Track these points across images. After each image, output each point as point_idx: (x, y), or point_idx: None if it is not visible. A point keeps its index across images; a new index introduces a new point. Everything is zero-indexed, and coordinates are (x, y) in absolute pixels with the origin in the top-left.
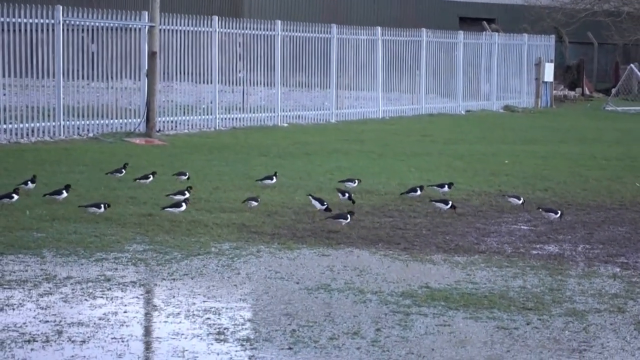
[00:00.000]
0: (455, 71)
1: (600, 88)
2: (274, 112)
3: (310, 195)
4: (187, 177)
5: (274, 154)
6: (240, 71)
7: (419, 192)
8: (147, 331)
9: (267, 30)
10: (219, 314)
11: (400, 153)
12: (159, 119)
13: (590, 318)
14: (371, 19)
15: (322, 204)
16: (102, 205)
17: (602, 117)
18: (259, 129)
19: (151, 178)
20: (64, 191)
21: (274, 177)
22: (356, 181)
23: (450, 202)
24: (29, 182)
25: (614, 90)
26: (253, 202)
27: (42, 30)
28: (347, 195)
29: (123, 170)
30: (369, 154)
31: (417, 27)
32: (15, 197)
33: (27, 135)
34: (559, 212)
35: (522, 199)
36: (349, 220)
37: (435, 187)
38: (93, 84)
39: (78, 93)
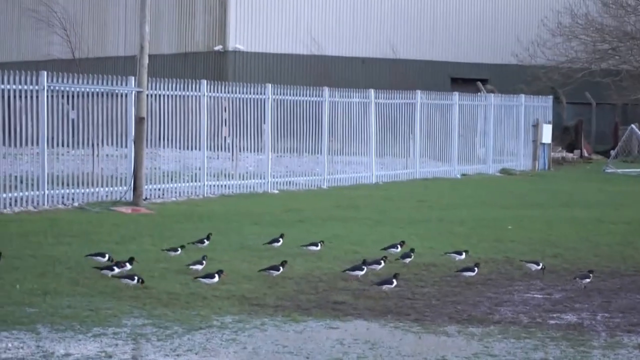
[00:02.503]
0: (450, 133)
1: (599, 150)
2: (264, 178)
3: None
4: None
5: (267, 222)
6: (228, 136)
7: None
8: None
9: (257, 94)
10: None
11: (398, 220)
12: (146, 186)
13: None
14: (360, 81)
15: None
16: (137, 278)
17: (603, 180)
18: (249, 196)
19: (180, 251)
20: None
21: (280, 239)
22: (398, 246)
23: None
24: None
25: (613, 152)
26: (273, 272)
27: (25, 96)
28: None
29: (206, 240)
30: (365, 221)
31: (408, 88)
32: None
33: (10, 205)
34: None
35: (540, 264)
36: (394, 285)
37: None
38: (77, 152)
39: (62, 161)
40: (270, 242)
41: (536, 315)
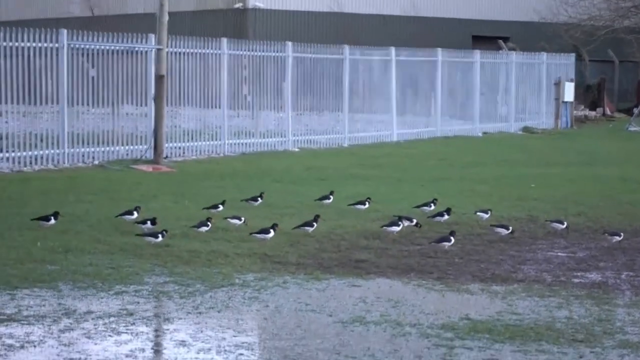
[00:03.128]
0: (471, 92)
1: (622, 108)
2: (285, 136)
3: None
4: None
5: (288, 180)
6: (248, 94)
7: (445, 217)
8: None
9: (278, 51)
10: (252, 349)
11: (419, 178)
12: (166, 145)
13: None
14: (381, 39)
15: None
16: (160, 234)
17: (626, 138)
18: (269, 154)
19: (221, 208)
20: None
21: (331, 197)
22: (431, 204)
23: (511, 228)
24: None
25: (636, 110)
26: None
27: (45, 54)
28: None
29: (259, 198)
30: (387, 180)
31: (429, 46)
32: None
33: (31, 163)
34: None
35: (565, 223)
36: (452, 242)
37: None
38: (97, 110)
39: (82, 119)
40: (321, 199)
41: (560, 274)
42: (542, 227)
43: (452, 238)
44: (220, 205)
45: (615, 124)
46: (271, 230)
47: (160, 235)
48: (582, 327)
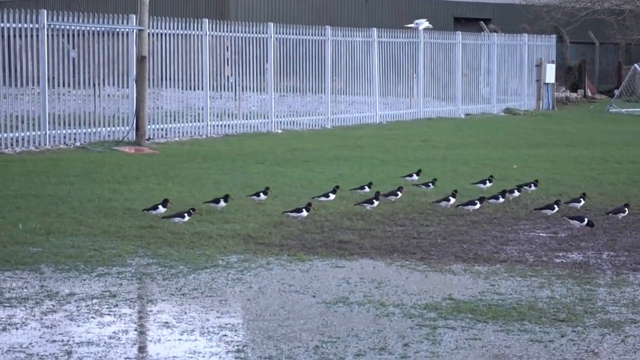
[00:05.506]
0: (453, 73)
1: (603, 89)
2: (267, 118)
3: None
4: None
5: (271, 162)
6: (230, 76)
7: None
8: (162, 350)
9: (260, 32)
10: (236, 331)
11: (402, 159)
12: (149, 126)
13: (628, 329)
14: (362, 20)
15: (582, 221)
16: (187, 214)
17: (607, 119)
18: (252, 135)
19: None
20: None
21: (366, 187)
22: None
23: (586, 219)
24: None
25: (617, 92)
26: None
27: (25, 35)
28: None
29: (262, 194)
30: (369, 161)
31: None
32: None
33: (12, 145)
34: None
35: (586, 219)
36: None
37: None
38: (79, 91)
39: (63, 101)
40: (359, 189)
41: (542, 254)
42: (525, 207)
43: (477, 202)
44: (222, 200)
45: (596, 106)
46: (304, 210)
47: (187, 215)
48: (564, 307)
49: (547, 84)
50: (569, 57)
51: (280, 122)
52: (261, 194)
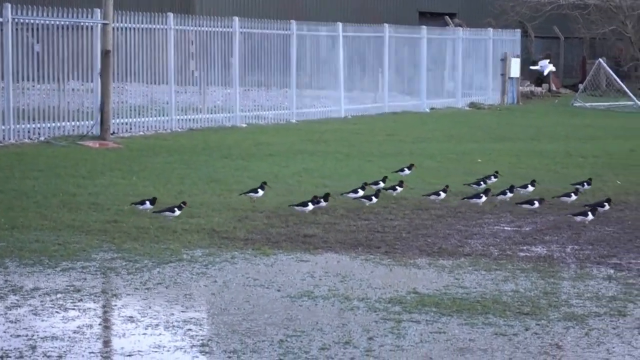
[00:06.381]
0: (419, 67)
1: (567, 84)
2: (232, 112)
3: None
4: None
5: (236, 156)
6: (195, 70)
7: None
8: (127, 344)
9: (225, 27)
10: (201, 325)
11: (367, 153)
12: (113, 120)
13: (591, 322)
14: (328, 14)
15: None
16: (177, 208)
17: (571, 114)
18: (217, 130)
19: (260, 193)
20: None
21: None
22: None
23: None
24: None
25: (581, 86)
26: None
27: None
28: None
29: (260, 190)
30: (335, 155)
31: (376, 22)
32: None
33: None
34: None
35: (589, 215)
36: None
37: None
38: (43, 86)
39: (27, 95)
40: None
41: (506, 248)
42: (489, 201)
43: (483, 196)
44: (260, 190)
45: (561, 100)
46: (309, 204)
47: (177, 209)
48: (528, 300)
49: (512, 78)
50: (533, 52)
51: (245, 116)
52: (259, 190)
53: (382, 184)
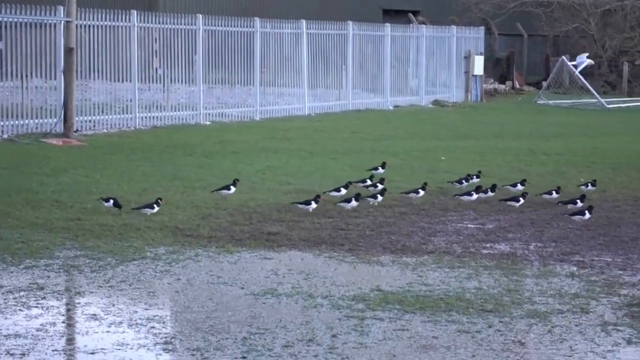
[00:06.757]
0: (382, 65)
1: (531, 81)
2: (196, 109)
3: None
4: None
5: (200, 154)
6: (159, 68)
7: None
8: (90, 342)
9: (188, 24)
10: (164, 323)
11: (331, 151)
12: (76, 118)
13: (554, 319)
14: (292, 12)
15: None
16: (155, 204)
17: (535, 111)
18: (180, 127)
19: (233, 190)
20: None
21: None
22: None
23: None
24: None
25: (545, 84)
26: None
27: None
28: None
29: (232, 187)
30: (299, 153)
31: (339, 20)
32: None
33: None
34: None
35: (586, 213)
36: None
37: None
38: (6, 83)
39: None
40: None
41: (469, 245)
42: (453, 199)
43: (474, 193)
44: (232, 186)
45: (524, 97)
46: (312, 202)
47: (155, 205)
48: (491, 298)
49: (476, 75)
50: (497, 49)
51: (209, 114)
52: (232, 187)
53: (369, 182)
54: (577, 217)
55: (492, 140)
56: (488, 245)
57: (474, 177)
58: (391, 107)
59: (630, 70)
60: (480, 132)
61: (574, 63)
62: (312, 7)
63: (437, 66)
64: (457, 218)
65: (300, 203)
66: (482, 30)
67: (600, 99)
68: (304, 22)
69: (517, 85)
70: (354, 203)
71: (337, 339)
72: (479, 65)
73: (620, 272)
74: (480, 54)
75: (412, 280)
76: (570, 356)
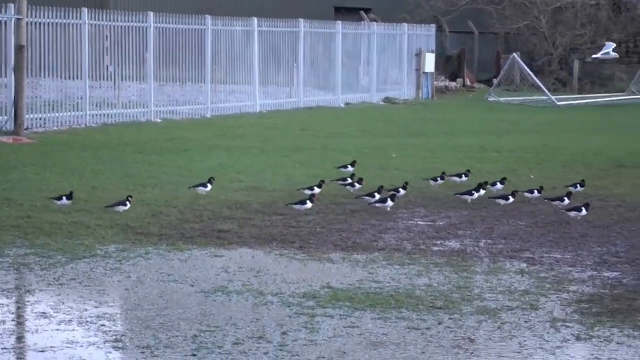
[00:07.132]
0: (334, 63)
1: (482, 79)
2: (147, 107)
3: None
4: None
5: (151, 151)
6: (110, 65)
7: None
8: (40, 340)
9: (140, 22)
10: (114, 321)
11: (282, 148)
12: (27, 116)
13: (504, 316)
14: (243, 9)
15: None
16: (127, 201)
17: (486, 109)
18: (131, 125)
19: (209, 187)
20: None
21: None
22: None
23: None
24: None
25: (496, 81)
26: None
27: None
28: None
29: (209, 185)
30: (250, 150)
31: (291, 17)
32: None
33: None
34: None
35: (583, 209)
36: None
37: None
38: None
39: None
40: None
41: (420, 242)
42: (404, 196)
43: (475, 193)
44: (208, 184)
45: (475, 95)
46: (308, 202)
47: (128, 203)
48: (442, 295)
49: (427, 73)
50: (448, 47)
51: (160, 111)
52: (208, 184)
53: (349, 180)
54: (573, 213)
55: (443, 138)
56: (438, 242)
57: (463, 175)
58: (343, 105)
59: (580, 68)
60: (432, 129)
61: (597, 56)
62: (266, 6)
63: (389, 64)
64: (407, 215)
65: (296, 204)
66: (433, 28)
67: (551, 96)
68: (255, 19)
69: (469, 83)
70: (389, 203)
71: (288, 336)
72: (430, 62)
73: (570, 268)
74: (432, 51)
75: (362, 278)
76: (519, 352)
